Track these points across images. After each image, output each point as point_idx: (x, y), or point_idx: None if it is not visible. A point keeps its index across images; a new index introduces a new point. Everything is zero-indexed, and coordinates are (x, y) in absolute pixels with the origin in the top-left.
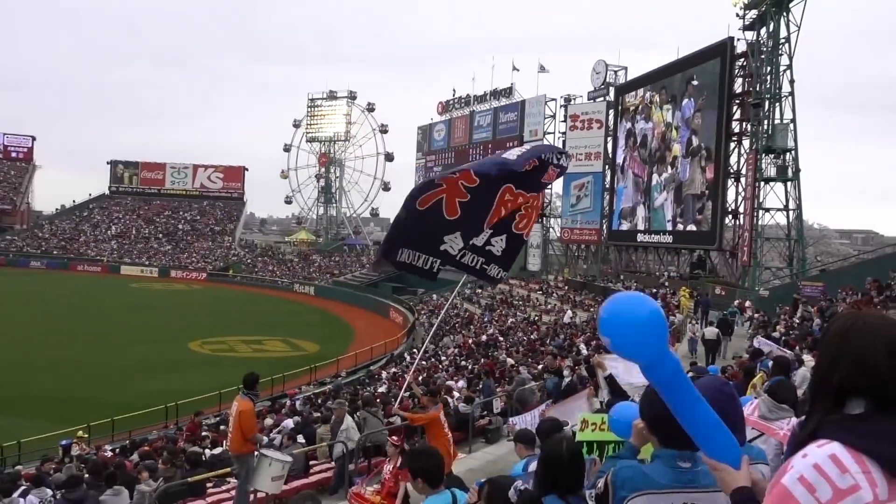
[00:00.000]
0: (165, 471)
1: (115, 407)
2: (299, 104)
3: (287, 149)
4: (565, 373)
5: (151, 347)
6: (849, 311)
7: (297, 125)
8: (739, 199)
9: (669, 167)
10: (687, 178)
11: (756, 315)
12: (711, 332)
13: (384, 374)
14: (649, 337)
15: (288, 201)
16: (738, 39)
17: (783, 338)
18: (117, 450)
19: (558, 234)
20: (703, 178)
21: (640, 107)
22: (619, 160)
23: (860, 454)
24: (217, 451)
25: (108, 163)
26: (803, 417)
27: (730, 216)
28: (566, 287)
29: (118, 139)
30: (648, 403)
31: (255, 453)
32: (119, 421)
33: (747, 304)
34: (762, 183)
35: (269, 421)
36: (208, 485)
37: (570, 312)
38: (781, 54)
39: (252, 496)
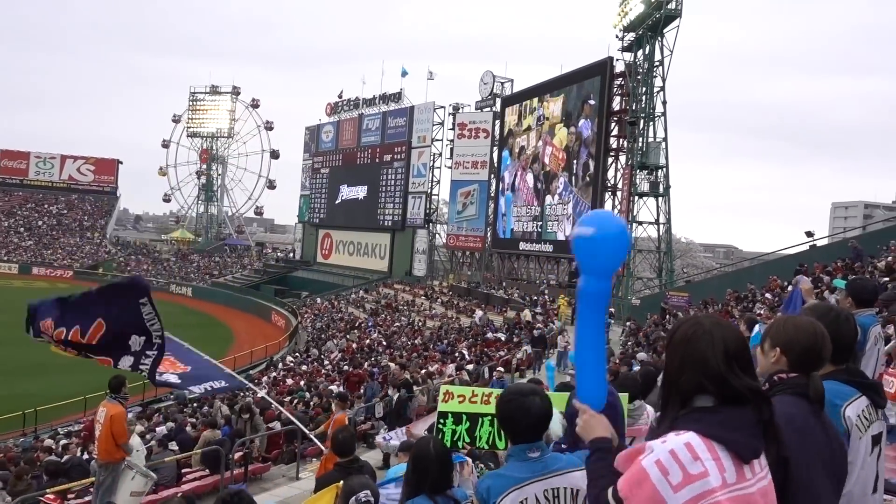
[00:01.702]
0: (18, 483)
1: None
2: (179, 98)
3: (166, 145)
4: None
5: (9, 350)
6: (688, 318)
7: (176, 120)
8: (615, 211)
9: (557, 180)
10: (572, 191)
11: (628, 323)
12: None
13: (264, 379)
14: (620, 252)
15: (167, 199)
16: (617, 59)
17: (653, 344)
18: None
19: (444, 241)
20: (585, 191)
21: (536, 121)
22: (507, 171)
23: (712, 442)
24: (64, 459)
25: None
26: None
27: None
28: (450, 293)
29: None
30: (502, 403)
31: (125, 462)
32: None
33: (611, 310)
34: (636, 197)
35: (139, 427)
36: (70, 496)
37: (479, 313)
38: (656, 76)
39: None
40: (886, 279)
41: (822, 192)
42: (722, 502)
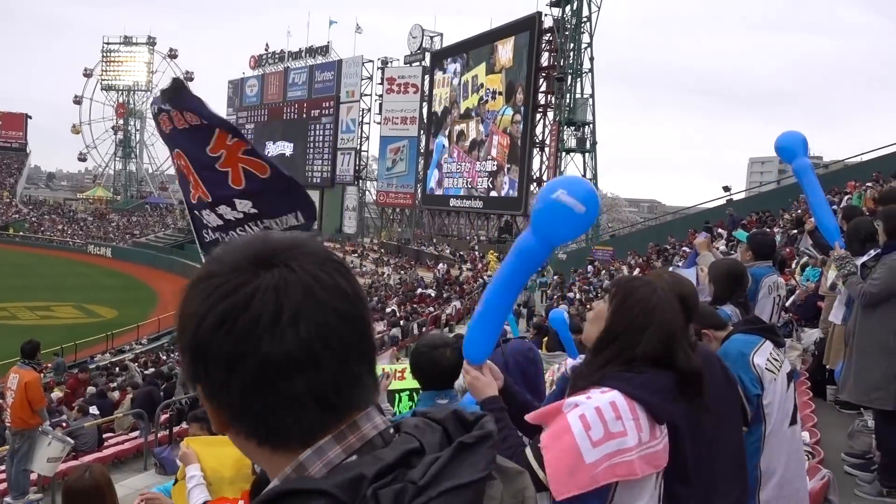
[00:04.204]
0: None
1: None
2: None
3: (78, 101)
4: None
5: None
6: (640, 279)
7: (88, 74)
8: (543, 167)
9: (490, 138)
10: (497, 145)
11: (554, 277)
12: None
13: None
14: (582, 226)
15: (82, 158)
16: (546, 15)
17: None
18: None
19: (374, 197)
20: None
21: (472, 80)
22: (442, 128)
23: (634, 403)
24: None
25: None
26: (580, 359)
27: (535, 184)
28: (381, 250)
29: None
30: (415, 355)
31: (40, 428)
32: None
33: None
34: (563, 153)
35: (57, 394)
36: None
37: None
38: (583, 32)
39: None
40: (795, 231)
41: (742, 148)
42: (634, 461)
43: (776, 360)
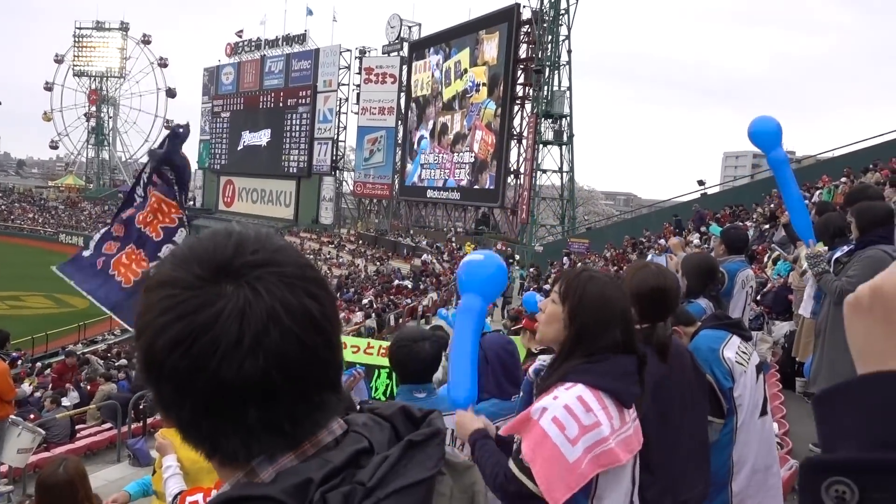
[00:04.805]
0: None
1: None
2: (61, 35)
3: (49, 87)
4: None
5: None
6: (583, 273)
7: (59, 60)
8: (521, 160)
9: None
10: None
11: (531, 269)
12: None
13: None
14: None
15: (54, 146)
16: (524, 6)
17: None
18: None
19: (351, 188)
20: (490, 140)
21: (463, 94)
22: (423, 120)
23: (599, 392)
24: None
25: None
26: (546, 361)
27: (511, 176)
28: (358, 241)
29: None
30: (394, 348)
31: (10, 419)
32: None
33: (516, 257)
34: (541, 145)
35: (27, 387)
36: None
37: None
38: (561, 25)
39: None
40: (767, 226)
41: (717, 142)
42: (613, 448)
43: (744, 353)
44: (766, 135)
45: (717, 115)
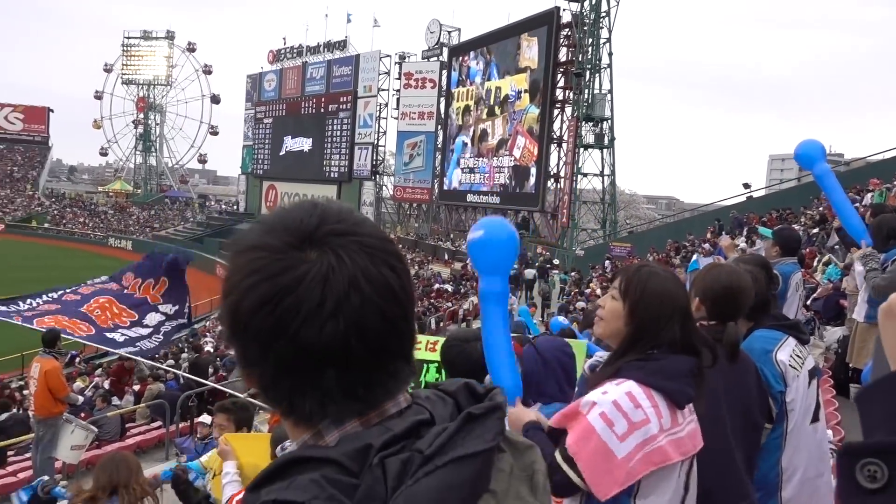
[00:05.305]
0: None
1: None
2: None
3: (99, 96)
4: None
5: None
6: (644, 268)
7: (108, 69)
8: (561, 163)
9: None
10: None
11: (572, 273)
12: (530, 272)
13: (208, 334)
14: (509, 253)
15: (104, 153)
16: (564, 10)
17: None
18: None
19: (391, 193)
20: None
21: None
22: (464, 127)
23: (650, 389)
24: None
25: None
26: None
27: (552, 180)
28: (398, 245)
29: None
30: (446, 349)
31: (63, 416)
32: None
33: (555, 261)
34: (581, 149)
35: (79, 384)
36: (9, 453)
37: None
38: (602, 27)
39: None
40: (816, 230)
41: (762, 145)
42: (664, 446)
43: (799, 356)
44: (810, 152)
45: (762, 118)
